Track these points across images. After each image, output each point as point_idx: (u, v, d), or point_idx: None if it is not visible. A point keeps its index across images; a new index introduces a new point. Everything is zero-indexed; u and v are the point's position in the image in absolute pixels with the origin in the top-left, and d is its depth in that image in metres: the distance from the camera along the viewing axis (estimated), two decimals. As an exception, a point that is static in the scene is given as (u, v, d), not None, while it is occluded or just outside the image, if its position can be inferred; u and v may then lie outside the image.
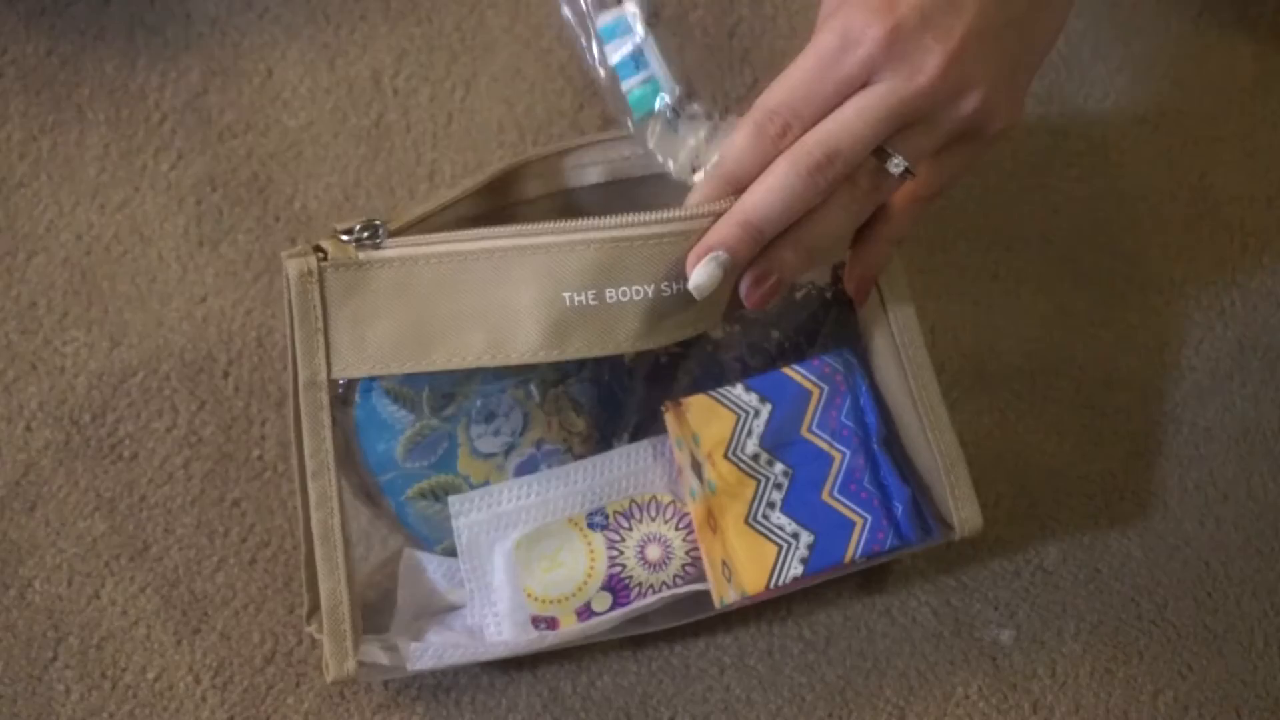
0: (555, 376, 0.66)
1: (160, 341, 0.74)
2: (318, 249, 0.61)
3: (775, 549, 0.65)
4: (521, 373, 0.65)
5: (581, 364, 0.67)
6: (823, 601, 0.73)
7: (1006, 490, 0.75)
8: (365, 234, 0.61)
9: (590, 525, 0.66)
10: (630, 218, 0.60)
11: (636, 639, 0.71)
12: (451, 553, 0.66)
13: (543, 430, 0.66)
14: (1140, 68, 0.83)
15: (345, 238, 0.61)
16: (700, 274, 0.59)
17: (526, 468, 0.66)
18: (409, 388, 0.64)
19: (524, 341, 0.61)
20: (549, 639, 0.65)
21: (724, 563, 0.65)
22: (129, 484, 0.72)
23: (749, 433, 0.66)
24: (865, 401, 0.67)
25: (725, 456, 0.65)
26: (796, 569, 0.64)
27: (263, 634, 0.71)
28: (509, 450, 0.66)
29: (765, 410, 0.66)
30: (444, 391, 0.65)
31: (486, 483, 0.65)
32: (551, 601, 0.65)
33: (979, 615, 0.73)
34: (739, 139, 0.59)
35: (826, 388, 0.67)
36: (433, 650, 0.64)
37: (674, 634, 0.72)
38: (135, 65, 0.78)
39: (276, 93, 0.79)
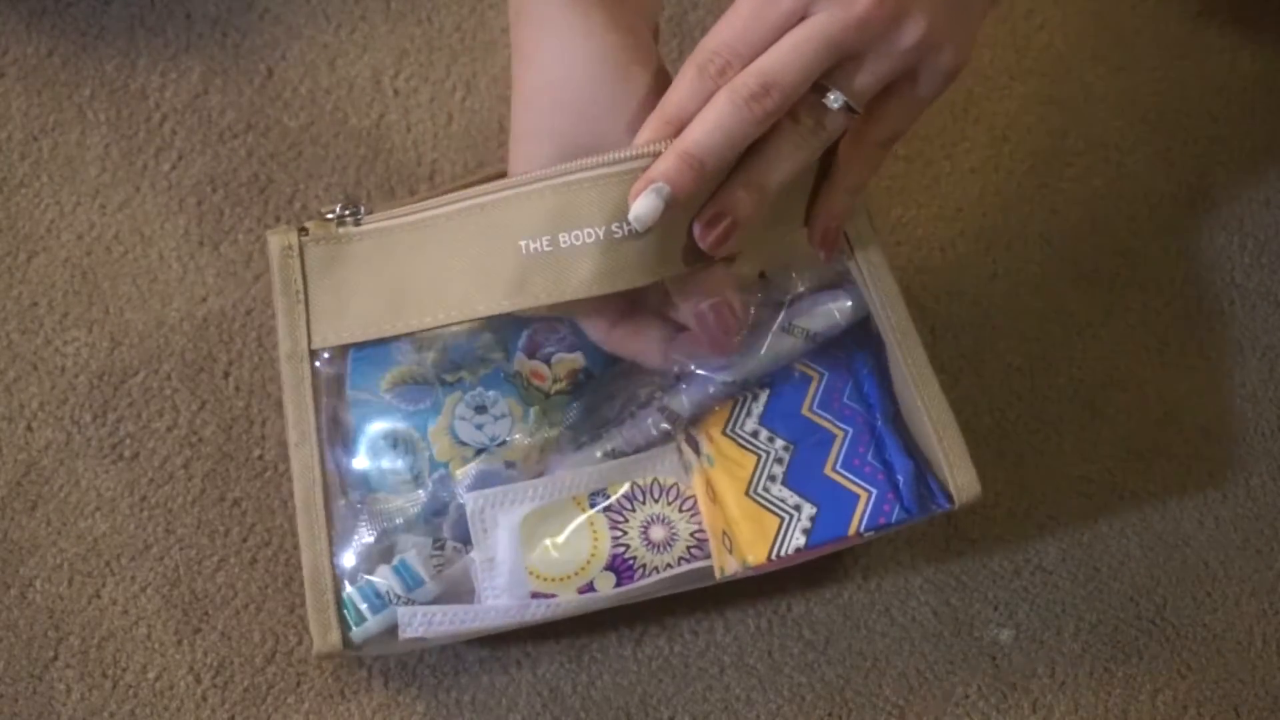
0: (559, 418, 0.67)
1: (161, 341, 0.74)
2: (302, 228, 0.65)
3: (777, 520, 0.65)
4: (534, 395, 0.66)
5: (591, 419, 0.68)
6: (823, 601, 0.73)
7: (1006, 489, 0.75)
8: (346, 212, 0.65)
9: (592, 505, 0.66)
10: (577, 163, 0.61)
11: (637, 638, 0.71)
12: (390, 515, 0.66)
13: (519, 455, 0.66)
14: (1140, 68, 0.83)
15: (328, 217, 0.65)
16: (640, 205, 0.59)
17: (485, 478, 0.66)
18: (429, 336, 0.66)
19: (488, 293, 0.62)
20: (543, 609, 0.65)
21: (725, 533, 0.65)
22: (130, 484, 0.72)
23: (748, 413, 0.66)
24: (869, 385, 0.67)
25: (724, 433, 0.66)
26: (799, 540, 0.64)
27: (263, 633, 0.71)
28: (480, 451, 0.66)
29: (763, 394, 0.66)
30: (455, 361, 0.66)
31: (445, 465, 0.66)
32: (555, 580, 0.65)
33: (979, 615, 0.73)
34: (681, 80, 0.60)
35: (828, 374, 0.67)
36: (422, 616, 0.64)
37: (674, 634, 0.72)
38: (136, 65, 0.78)
39: (277, 93, 0.79)
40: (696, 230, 0.61)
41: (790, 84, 0.58)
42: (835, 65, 0.58)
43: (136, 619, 0.71)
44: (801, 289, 0.68)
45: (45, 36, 0.78)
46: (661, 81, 0.61)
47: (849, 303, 0.67)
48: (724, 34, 0.59)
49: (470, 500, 0.65)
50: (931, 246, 0.79)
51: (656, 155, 0.60)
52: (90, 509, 0.72)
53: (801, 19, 0.58)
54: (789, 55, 0.58)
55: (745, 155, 0.60)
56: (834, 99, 0.59)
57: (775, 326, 0.67)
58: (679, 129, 0.59)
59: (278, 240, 0.65)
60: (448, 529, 0.66)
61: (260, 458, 0.73)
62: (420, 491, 0.65)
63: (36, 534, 0.71)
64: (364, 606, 0.64)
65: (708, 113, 0.59)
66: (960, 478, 0.65)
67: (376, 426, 0.65)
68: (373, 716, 0.70)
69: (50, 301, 0.75)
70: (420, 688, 0.70)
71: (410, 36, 0.80)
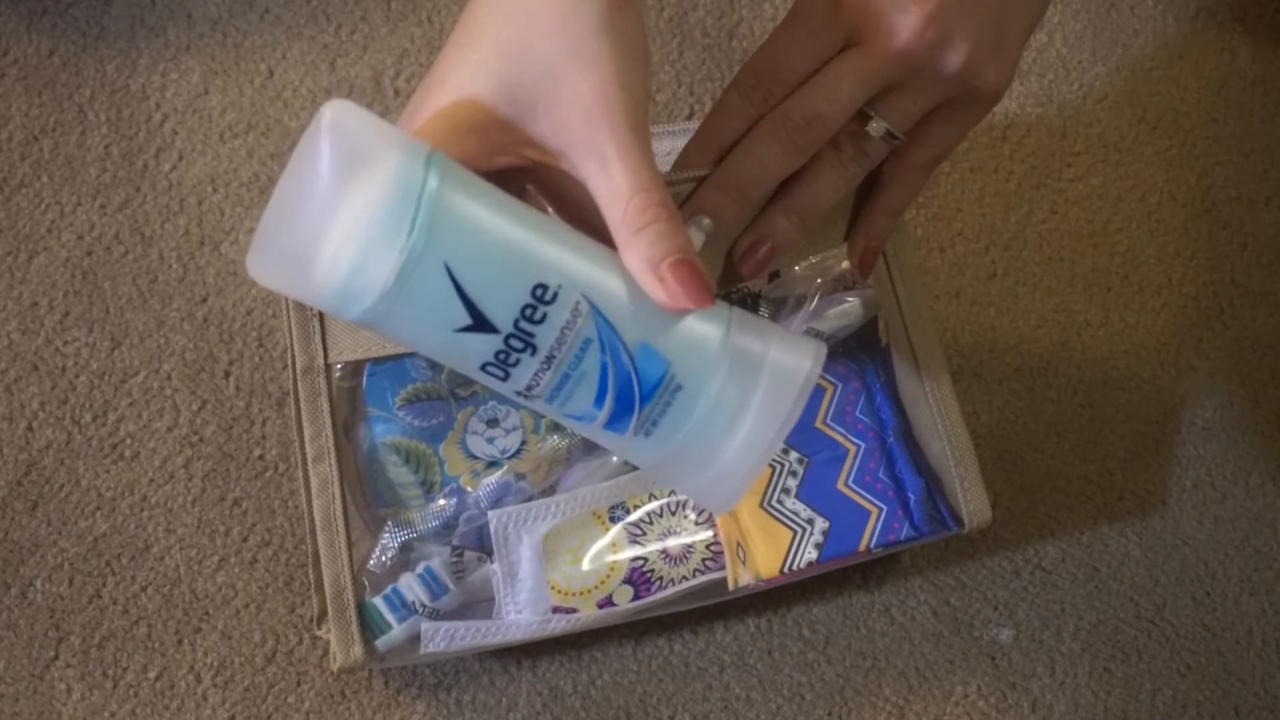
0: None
1: (161, 341, 0.74)
2: None
3: (790, 534, 0.65)
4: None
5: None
6: (822, 600, 0.73)
7: (1006, 490, 0.75)
8: None
9: (612, 519, 0.66)
10: None
11: (637, 637, 0.72)
12: (405, 528, 0.66)
13: (529, 468, 0.66)
14: (1139, 68, 0.83)
15: None
16: None
17: (495, 491, 0.66)
18: None
19: None
20: (563, 624, 0.65)
21: (739, 544, 0.65)
22: (130, 483, 0.72)
23: None
24: (880, 399, 0.67)
25: None
26: (811, 554, 0.65)
27: (264, 633, 0.71)
28: (490, 464, 0.66)
29: None
30: (464, 378, 0.65)
31: (457, 479, 0.66)
32: (575, 594, 0.65)
33: (978, 614, 0.73)
34: (722, 105, 0.59)
35: (840, 385, 0.67)
36: (444, 631, 0.64)
37: (674, 633, 0.72)
38: (136, 66, 0.78)
39: (278, 93, 0.79)
40: (737, 258, 0.61)
41: (833, 116, 0.58)
42: (878, 94, 0.58)
43: (137, 618, 0.71)
44: (811, 288, 0.68)
45: (46, 37, 0.78)
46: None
47: (859, 303, 0.67)
48: (765, 59, 0.59)
49: (493, 518, 0.65)
50: (931, 246, 0.79)
51: (695, 180, 0.59)
52: (90, 509, 0.72)
53: (844, 48, 0.58)
54: (832, 88, 0.57)
55: (786, 181, 0.60)
56: (876, 127, 0.59)
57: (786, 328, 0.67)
58: (720, 155, 0.59)
59: None
60: (459, 539, 0.66)
61: (260, 458, 0.73)
62: (433, 504, 0.65)
63: (37, 533, 0.71)
64: (390, 615, 0.64)
65: (751, 144, 0.58)
66: (973, 504, 0.66)
67: (390, 441, 0.65)
68: (373, 716, 0.70)
69: (51, 301, 0.75)
70: (420, 688, 0.70)
71: (410, 37, 0.80)
